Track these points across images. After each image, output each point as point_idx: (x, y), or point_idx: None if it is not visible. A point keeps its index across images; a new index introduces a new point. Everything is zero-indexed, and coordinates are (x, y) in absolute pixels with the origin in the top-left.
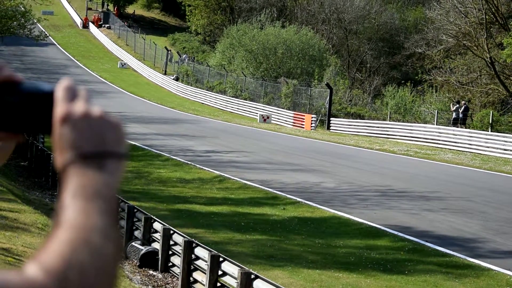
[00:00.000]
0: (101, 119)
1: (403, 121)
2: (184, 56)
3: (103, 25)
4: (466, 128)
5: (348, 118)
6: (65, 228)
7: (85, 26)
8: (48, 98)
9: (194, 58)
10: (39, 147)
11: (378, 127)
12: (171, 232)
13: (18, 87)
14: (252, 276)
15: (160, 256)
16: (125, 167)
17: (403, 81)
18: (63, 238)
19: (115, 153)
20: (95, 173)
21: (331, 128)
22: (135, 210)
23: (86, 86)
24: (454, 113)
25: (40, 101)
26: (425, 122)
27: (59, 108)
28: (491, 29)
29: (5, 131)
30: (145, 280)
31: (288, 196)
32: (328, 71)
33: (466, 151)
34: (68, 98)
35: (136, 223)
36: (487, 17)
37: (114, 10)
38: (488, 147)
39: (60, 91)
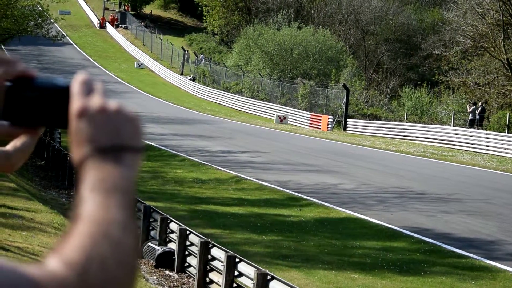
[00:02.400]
0: (117, 113)
1: (420, 122)
2: (201, 57)
3: (120, 25)
4: (482, 129)
5: (365, 119)
6: (85, 221)
7: (102, 26)
8: (64, 92)
9: (211, 58)
10: (56, 147)
11: (394, 128)
12: (188, 232)
13: (33, 82)
14: (268, 277)
15: (176, 256)
16: (142, 160)
17: (419, 82)
18: (83, 231)
19: (132, 147)
20: (113, 167)
21: (347, 129)
22: (152, 210)
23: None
24: (470, 114)
25: (56, 95)
26: (442, 123)
27: (76, 103)
28: (508, 30)
29: (22, 126)
30: (161, 280)
31: (305, 197)
32: (345, 72)
33: (483, 153)
34: (85, 92)
35: (152, 223)
36: (504, 18)
37: (125, 7)
38: (505, 148)
39: (76, 85)
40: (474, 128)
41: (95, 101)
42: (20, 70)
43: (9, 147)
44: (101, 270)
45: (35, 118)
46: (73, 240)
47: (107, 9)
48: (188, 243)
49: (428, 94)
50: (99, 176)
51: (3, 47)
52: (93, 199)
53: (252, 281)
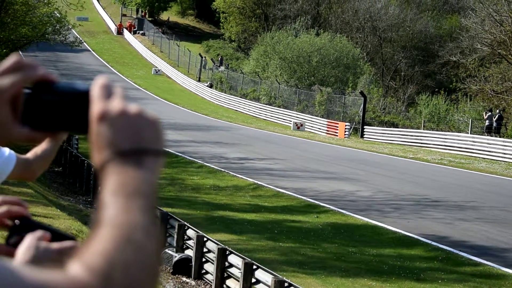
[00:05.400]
0: (138, 116)
1: (437, 130)
2: (222, 63)
3: (137, 32)
4: (500, 137)
5: (382, 127)
6: (107, 226)
7: (120, 32)
8: (84, 96)
9: (228, 65)
10: (73, 153)
11: (412, 135)
12: (205, 239)
13: (53, 86)
14: (286, 284)
15: (193, 263)
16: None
17: (437, 90)
18: (106, 236)
19: (153, 150)
20: (134, 171)
21: (364, 136)
22: (169, 217)
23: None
24: (487, 121)
25: (76, 100)
26: (459, 131)
27: (96, 107)
28: None
29: (42, 131)
30: (178, 287)
31: (322, 204)
32: (362, 79)
33: (500, 160)
34: (105, 96)
35: (169, 229)
36: None
37: (143, 14)
38: None
39: (96, 89)
40: (490, 135)
41: (116, 104)
42: (40, 74)
43: (30, 154)
44: (124, 275)
45: (55, 123)
46: (96, 245)
47: (124, 15)
48: (205, 249)
49: (445, 102)
50: (120, 180)
51: (20, 53)
52: (115, 203)
53: None
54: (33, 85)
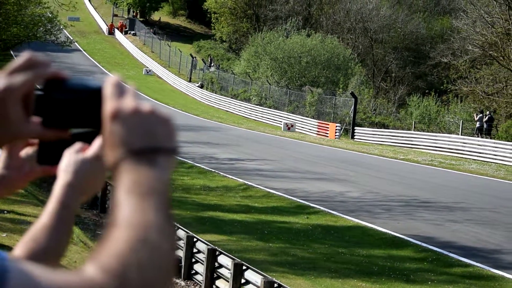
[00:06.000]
0: (151, 114)
1: (428, 131)
2: (212, 64)
3: (128, 32)
4: (491, 138)
5: (373, 128)
6: (122, 226)
7: (111, 32)
8: (96, 94)
9: (219, 65)
10: None
11: (402, 136)
12: (195, 239)
13: (65, 84)
14: (275, 285)
15: (183, 263)
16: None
17: (428, 91)
18: (121, 236)
19: (166, 148)
20: (148, 169)
21: (355, 137)
22: None
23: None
24: (477, 123)
25: (88, 97)
26: (450, 132)
27: (109, 105)
28: None
29: (53, 128)
30: None
31: (312, 205)
32: (353, 80)
33: (491, 162)
34: (117, 94)
35: None
36: None
37: (134, 14)
38: None
39: (108, 87)
40: (481, 136)
41: (128, 103)
42: (52, 72)
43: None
44: (139, 276)
45: (67, 120)
46: (111, 246)
47: (116, 15)
48: (195, 250)
49: (436, 103)
50: (134, 179)
51: (12, 52)
52: (129, 203)
53: None
54: (45, 82)
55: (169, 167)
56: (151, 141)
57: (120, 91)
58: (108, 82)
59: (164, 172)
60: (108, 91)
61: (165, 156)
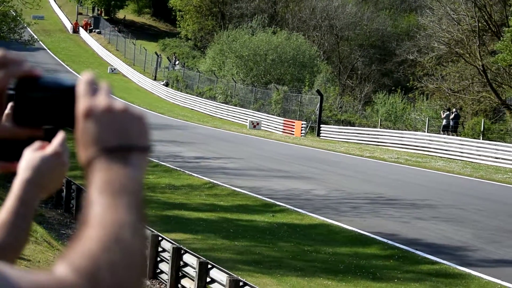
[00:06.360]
0: (124, 112)
1: (394, 129)
2: (177, 62)
3: (93, 30)
4: (457, 135)
5: (339, 125)
6: (94, 225)
7: (75, 31)
8: (69, 92)
9: (184, 63)
10: None
11: (368, 134)
12: (160, 238)
13: (39, 82)
14: (241, 284)
15: (148, 262)
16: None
17: (394, 88)
18: (92, 235)
19: (139, 147)
20: (121, 168)
21: (321, 135)
22: None
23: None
24: (444, 120)
25: (62, 95)
26: (416, 130)
27: (82, 103)
28: (484, 36)
29: (27, 126)
30: None
31: (278, 203)
32: (319, 78)
33: (457, 159)
34: (90, 92)
35: None
36: (479, 24)
37: (99, 12)
38: (479, 155)
39: (81, 85)
40: (448, 134)
41: (101, 101)
42: (25, 70)
43: None
44: (111, 275)
45: (41, 119)
46: (82, 245)
47: (80, 14)
48: (160, 249)
49: (402, 100)
50: (106, 178)
51: None
52: (101, 202)
53: None
54: (18, 80)
55: (142, 166)
56: (124, 139)
57: (93, 89)
58: (82, 80)
59: (138, 170)
60: (81, 88)
61: (138, 155)
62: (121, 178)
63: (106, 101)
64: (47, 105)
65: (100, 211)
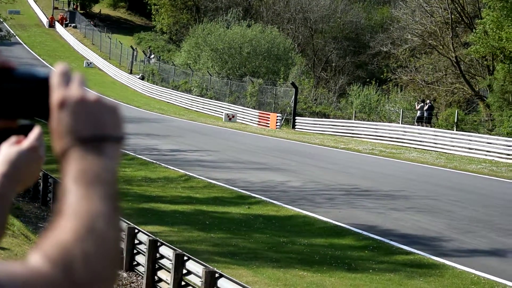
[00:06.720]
0: (98, 103)
1: (368, 120)
2: (152, 56)
3: (69, 25)
4: (431, 127)
5: (313, 117)
6: (68, 215)
7: (51, 25)
8: (44, 83)
9: (159, 57)
10: None
11: (343, 126)
12: (136, 231)
13: (13, 73)
14: (217, 275)
15: (124, 255)
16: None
17: (368, 80)
18: (66, 225)
19: (113, 137)
20: (95, 158)
21: (296, 127)
22: None
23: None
24: (418, 112)
25: (36, 87)
26: (390, 121)
27: (56, 94)
28: (457, 28)
29: (2, 118)
30: None
31: (253, 195)
32: (294, 70)
33: (431, 150)
34: (64, 83)
35: None
36: (452, 16)
37: (74, 6)
38: (453, 146)
39: (55, 76)
40: (422, 125)
41: (75, 91)
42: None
43: None
44: (85, 265)
45: (15, 110)
46: (56, 235)
47: (56, 8)
48: (136, 241)
49: (376, 92)
50: (80, 168)
51: None
52: (75, 192)
53: (200, 279)
54: None
55: (116, 156)
56: (98, 129)
57: (67, 80)
58: (55, 71)
59: (111, 161)
60: (55, 80)
61: (112, 145)
62: (95, 168)
63: (80, 92)
64: (21, 96)
65: (75, 201)
